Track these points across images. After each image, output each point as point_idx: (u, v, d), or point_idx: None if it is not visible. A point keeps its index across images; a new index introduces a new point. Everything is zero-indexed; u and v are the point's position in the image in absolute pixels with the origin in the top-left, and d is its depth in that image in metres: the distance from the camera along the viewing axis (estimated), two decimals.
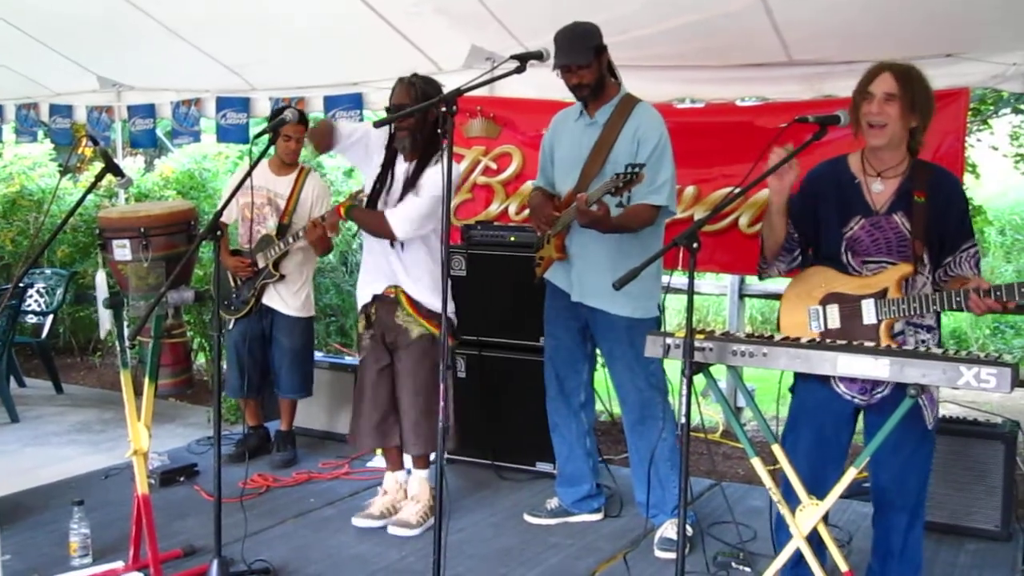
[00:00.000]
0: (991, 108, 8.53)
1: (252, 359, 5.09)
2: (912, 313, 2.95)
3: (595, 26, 3.86)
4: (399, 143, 4.08)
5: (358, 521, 4.27)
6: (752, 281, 6.35)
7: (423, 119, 3.98)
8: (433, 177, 3.94)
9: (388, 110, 4.05)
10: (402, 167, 4.12)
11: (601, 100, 3.95)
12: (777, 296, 7.31)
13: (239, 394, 5.17)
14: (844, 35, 4.45)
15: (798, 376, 3.19)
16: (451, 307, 4.19)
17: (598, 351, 4.27)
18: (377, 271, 4.23)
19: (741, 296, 6.21)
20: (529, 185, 5.56)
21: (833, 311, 3.08)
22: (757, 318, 9.97)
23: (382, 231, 4.08)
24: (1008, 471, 4.09)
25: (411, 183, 4.05)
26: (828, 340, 2.97)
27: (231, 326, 5.07)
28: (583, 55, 3.81)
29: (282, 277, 4.96)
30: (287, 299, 5.01)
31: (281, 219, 4.97)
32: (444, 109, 2.93)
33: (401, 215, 4.03)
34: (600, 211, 3.64)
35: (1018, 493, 4.25)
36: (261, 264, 4.93)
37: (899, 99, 2.95)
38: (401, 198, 4.06)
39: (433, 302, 4.07)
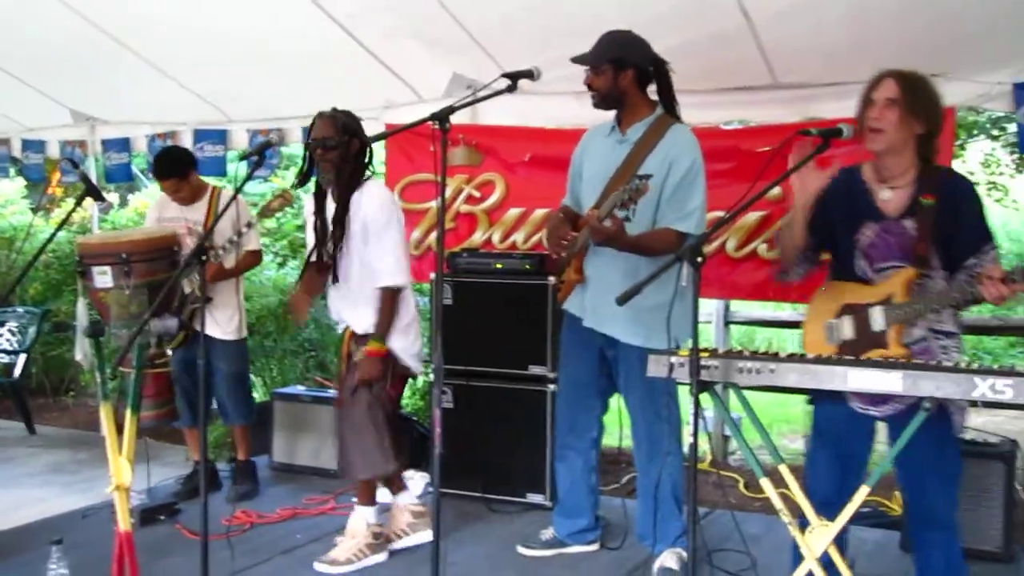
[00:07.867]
0: (966, 135, 8.63)
1: (193, 387, 4.95)
2: (915, 314, 2.90)
3: (632, 41, 3.76)
4: (323, 178, 4.02)
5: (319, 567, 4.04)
6: (737, 307, 6.31)
7: (346, 151, 3.96)
8: (371, 206, 3.94)
9: (307, 145, 4.04)
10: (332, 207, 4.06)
11: (633, 117, 3.85)
12: (760, 322, 7.39)
13: (190, 423, 5.04)
14: (829, 56, 4.44)
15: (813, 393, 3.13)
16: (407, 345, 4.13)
17: (613, 389, 4.14)
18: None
19: (727, 323, 6.14)
20: (513, 213, 5.51)
21: (847, 323, 3.03)
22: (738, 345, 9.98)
23: (393, 303, 4.02)
24: (1008, 491, 4.04)
25: (339, 219, 3.98)
26: (842, 354, 2.93)
27: (170, 355, 4.94)
28: (592, 57, 3.75)
29: (208, 300, 4.80)
30: (221, 323, 4.90)
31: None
32: (436, 126, 2.87)
33: (389, 267, 3.97)
34: (613, 227, 3.52)
35: (1019, 513, 4.19)
36: (187, 290, 4.71)
37: (900, 104, 2.92)
38: (335, 235, 3.99)
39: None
